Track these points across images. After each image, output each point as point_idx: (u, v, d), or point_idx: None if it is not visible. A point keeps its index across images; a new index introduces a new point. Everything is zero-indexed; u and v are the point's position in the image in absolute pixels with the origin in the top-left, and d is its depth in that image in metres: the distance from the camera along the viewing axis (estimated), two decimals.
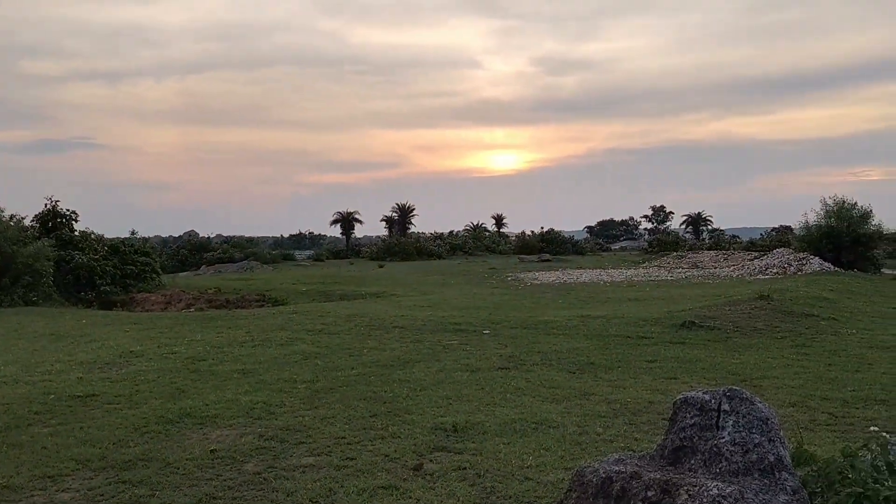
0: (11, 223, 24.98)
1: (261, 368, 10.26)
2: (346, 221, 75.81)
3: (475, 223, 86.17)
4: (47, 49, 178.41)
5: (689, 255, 47.52)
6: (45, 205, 29.45)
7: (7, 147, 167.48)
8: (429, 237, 70.15)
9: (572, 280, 31.38)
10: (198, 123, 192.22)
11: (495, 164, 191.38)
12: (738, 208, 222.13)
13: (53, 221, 29.16)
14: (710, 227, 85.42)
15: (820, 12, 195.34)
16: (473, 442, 6.49)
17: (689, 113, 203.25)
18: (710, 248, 56.31)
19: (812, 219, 32.86)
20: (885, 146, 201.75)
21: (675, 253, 50.87)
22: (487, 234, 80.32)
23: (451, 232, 79.85)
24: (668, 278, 31.20)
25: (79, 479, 5.80)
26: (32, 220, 28.57)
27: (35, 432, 7.17)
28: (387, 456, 6.17)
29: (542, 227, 70.04)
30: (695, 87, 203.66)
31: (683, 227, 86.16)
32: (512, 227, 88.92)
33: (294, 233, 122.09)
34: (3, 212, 25.04)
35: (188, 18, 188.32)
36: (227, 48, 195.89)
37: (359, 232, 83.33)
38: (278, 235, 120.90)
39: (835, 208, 32.02)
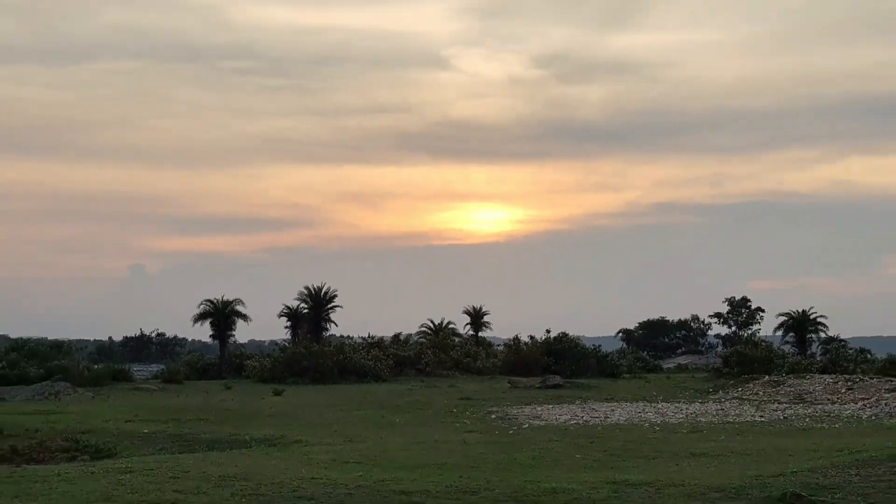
0: None
1: None
2: (222, 317, 75.22)
3: (438, 322, 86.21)
4: None
5: (790, 381, 47.89)
6: None
7: None
8: (360, 345, 69.91)
9: (598, 420, 31.32)
10: None
11: (472, 225, 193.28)
12: (870, 305, 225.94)
13: None
14: (822, 336, 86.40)
15: None
16: None
17: (786, 149, 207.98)
18: (823, 371, 56.83)
19: None
20: None
21: (766, 377, 51.22)
22: (458, 340, 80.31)
23: (397, 336, 79.73)
24: (757, 419, 31.30)
25: None
26: None
27: None
28: None
29: (547, 331, 70.18)
30: (794, 109, 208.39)
31: (780, 333, 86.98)
32: (498, 331, 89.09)
33: (131, 335, 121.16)
34: None
35: None
36: (23, 29, 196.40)
37: (242, 335, 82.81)
38: (105, 339, 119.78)
39: None
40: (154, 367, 75.01)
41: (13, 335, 74.18)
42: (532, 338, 70.60)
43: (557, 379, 52.98)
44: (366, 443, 24.43)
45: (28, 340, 69.70)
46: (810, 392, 42.75)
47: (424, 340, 78.60)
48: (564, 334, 68.69)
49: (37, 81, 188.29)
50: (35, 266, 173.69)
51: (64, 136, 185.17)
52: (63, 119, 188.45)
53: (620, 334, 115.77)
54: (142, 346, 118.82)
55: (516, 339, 72.71)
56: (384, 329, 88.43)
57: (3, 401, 42.38)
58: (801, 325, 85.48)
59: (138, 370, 68.39)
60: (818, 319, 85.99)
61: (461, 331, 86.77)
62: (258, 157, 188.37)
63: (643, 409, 35.68)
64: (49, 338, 77.22)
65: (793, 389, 44.35)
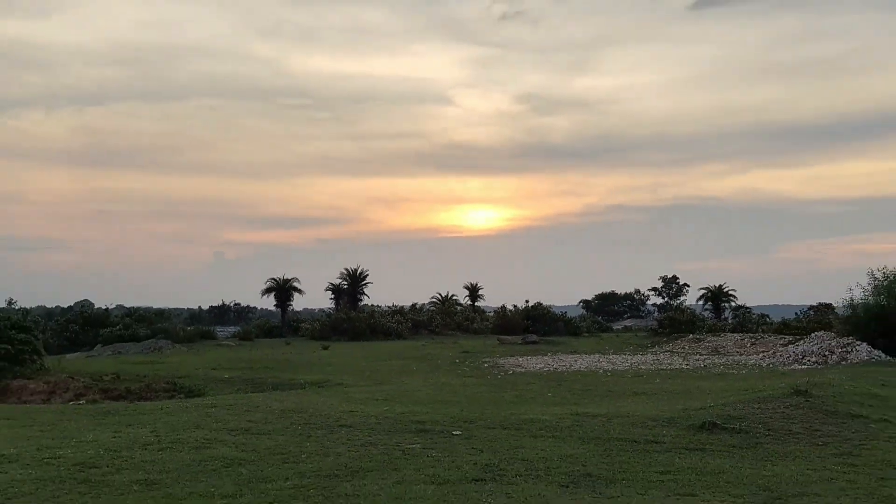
0: None
1: (169, 479, 10.04)
2: (282, 291, 75.34)
3: (444, 295, 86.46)
4: None
5: (709, 339, 48.01)
6: None
7: None
8: (386, 312, 70.07)
9: (565, 367, 31.38)
10: (96, 166, 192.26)
11: (469, 221, 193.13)
12: (768, 281, 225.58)
13: None
14: (733, 304, 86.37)
15: (865, 44, 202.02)
16: None
17: (705, 164, 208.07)
18: (733, 330, 57.01)
19: (858, 296, 33.42)
20: None
21: (691, 335, 51.38)
22: (459, 308, 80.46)
23: (413, 305, 79.81)
24: (684, 367, 31.36)
25: None
26: None
27: None
28: None
29: (527, 301, 70.54)
30: (711, 134, 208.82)
31: (701, 303, 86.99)
32: (490, 301, 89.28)
33: (216, 304, 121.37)
34: None
35: (88, 38, 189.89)
36: (136, 76, 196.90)
37: (298, 304, 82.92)
38: (195, 307, 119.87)
39: (885, 283, 32.60)
40: (232, 329, 75.16)
41: (127, 305, 74.34)
42: (515, 306, 71.16)
43: (534, 337, 53.11)
44: (390, 385, 24.52)
45: (138, 308, 70.00)
46: (724, 346, 42.81)
47: (434, 308, 78.77)
48: (539, 304, 69.25)
49: (146, 116, 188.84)
50: (146, 252, 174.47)
51: (166, 157, 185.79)
52: (165, 143, 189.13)
53: (581, 303, 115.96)
54: (223, 313, 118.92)
55: (503, 307, 73.21)
56: (404, 300, 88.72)
57: (120, 354, 42.62)
58: (716, 296, 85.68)
59: (220, 331, 68.59)
60: (729, 292, 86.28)
61: (462, 301, 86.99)
62: (308, 171, 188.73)
63: (598, 360, 35.75)
64: (154, 307, 77.32)
65: (710, 345, 44.42)
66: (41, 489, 9.56)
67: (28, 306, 72.20)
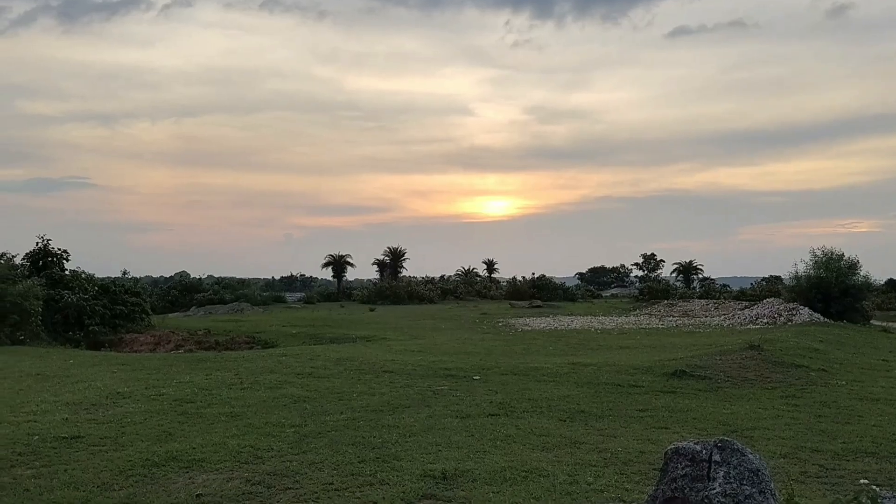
0: (1, 261, 24.85)
1: (249, 412, 10.15)
2: (338, 264, 75.62)
3: (466, 268, 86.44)
4: (44, 89, 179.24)
5: (680, 304, 47.67)
6: (37, 243, 29.40)
7: (1, 186, 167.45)
8: (420, 281, 70.19)
9: (563, 326, 31.34)
10: (191, 165, 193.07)
11: (487, 209, 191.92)
12: (728, 258, 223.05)
13: (44, 260, 29.05)
14: (700, 276, 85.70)
15: (804, 68, 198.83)
16: (463, 490, 6.42)
17: (676, 163, 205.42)
18: (700, 297, 56.56)
19: (801, 269, 33.05)
20: (872, 199, 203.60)
21: (665, 301, 51.05)
22: (479, 279, 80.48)
23: (442, 276, 79.97)
24: (659, 326, 31.20)
25: None
26: (23, 259, 28.46)
27: (18, 474, 7.05)
28: (375, 503, 6.09)
29: (533, 273, 70.36)
30: (681, 139, 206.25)
31: (674, 275, 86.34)
32: (503, 273, 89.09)
33: (285, 275, 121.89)
34: None
35: (184, 63, 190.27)
36: (222, 93, 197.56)
37: (350, 275, 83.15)
38: (269, 277, 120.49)
39: (823, 259, 32.22)
40: (298, 294, 75.49)
41: (216, 275, 74.91)
42: (524, 277, 70.93)
43: (539, 302, 53.04)
44: (424, 339, 24.60)
45: (224, 278, 70.55)
46: (692, 310, 42.50)
47: (458, 279, 78.84)
48: (543, 275, 69.04)
49: (230, 125, 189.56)
50: (230, 233, 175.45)
51: (246, 158, 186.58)
52: (245, 147, 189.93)
53: (577, 275, 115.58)
54: (291, 282, 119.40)
55: (514, 278, 73.13)
56: (434, 272, 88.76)
57: (210, 314, 42.99)
58: (687, 270, 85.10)
59: (289, 296, 68.94)
60: (698, 267, 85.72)
61: (481, 273, 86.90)
62: (359, 169, 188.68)
63: (590, 321, 35.63)
64: (237, 276, 77.92)
65: (681, 309, 44.11)
66: (149, 419, 9.71)
67: (138, 276, 72.93)
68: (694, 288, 76.42)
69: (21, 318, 23.33)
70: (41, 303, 24.75)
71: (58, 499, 6.22)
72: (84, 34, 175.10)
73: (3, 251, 25.77)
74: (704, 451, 3.46)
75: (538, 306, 50.02)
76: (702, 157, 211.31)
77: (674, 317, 38.69)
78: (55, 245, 29.60)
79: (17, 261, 27.42)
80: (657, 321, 35.06)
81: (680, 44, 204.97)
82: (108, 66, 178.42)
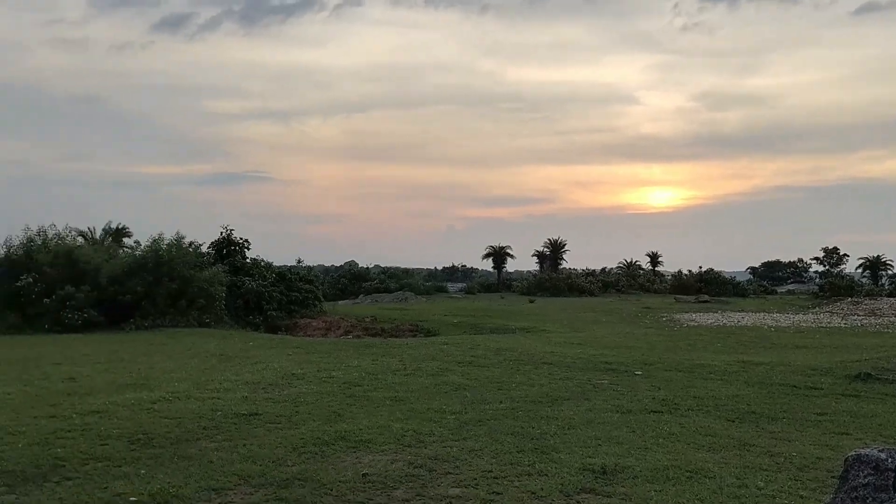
0: (190, 249, 27.10)
1: (412, 397, 10.49)
2: (498, 256, 76.35)
3: (629, 261, 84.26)
4: (227, 89, 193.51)
5: (866, 302, 43.99)
6: (221, 233, 31.81)
7: (189, 179, 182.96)
8: (580, 273, 69.34)
9: (732, 323, 29.84)
10: (360, 159, 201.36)
11: (651, 200, 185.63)
12: None
13: (227, 249, 31.41)
14: (890, 272, 78.60)
15: None
16: (623, 486, 6.29)
17: (864, 150, 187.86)
18: (889, 295, 51.90)
19: None
20: None
21: (849, 299, 47.34)
22: (641, 272, 78.34)
23: (603, 269, 78.56)
24: (842, 325, 28.94)
25: (240, 493, 6.15)
26: (209, 248, 30.86)
27: (203, 446, 7.69)
28: (533, 493, 6.10)
29: (700, 267, 67.66)
30: (868, 124, 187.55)
31: (860, 271, 79.80)
32: (668, 266, 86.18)
33: (447, 265, 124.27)
34: (183, 239, 26.94)
35: (353, 61, 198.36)
36: (389, 89, 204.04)
37: (510, 266, 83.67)
38: (432, 268, 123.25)
39: None
40: (460, 285, 76.90)
41: (383, 265, 77.78)
42: (690, 271, 68.42)
43: (706, 297, 50.71)
44: (584, 332, 24.31)
45: (390, 268, 73.03)
46: (880, 309, 39.03)
47: (620, 272, 77.09)
48: (711, 269, 66.39)
49: (397, 120, 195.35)
50: (396, 224, 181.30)
51: (412, 152, 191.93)
52: (412, 141, 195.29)
53: (748, 269, 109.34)
54: (453, 272, 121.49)
55: (679, 272, 70.57)
56: (595, 264, 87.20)
57: (377, 302, 44.61)
58: (874, 265, 78.76)
59: (451, 286, 70.38)
60: (886, 262, 78.78)
61: (644, 266, 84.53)
62: (522, 160, 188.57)
63: (763, 318, 33.66)
64: (402, 266, 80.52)
65: (867, 307, 40.64)
66: (320, 399, 10.28)
67: (311, 265, 77.11)
68: (882, 285, 70.18)
69: (207, 303, 25.31)
70: (224, 288, 26.72)
71: (238, 471, 6.73)
72: (263, 36, 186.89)
73: (191, 240, 27.87)
74: (890, 460, 3.19)
75: (705, 301, 47.86)
76: (892, 144, 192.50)
77: (858, 316, 35.69)
78: (237, 235, 31.95)
79: (204, 249, 29.74)
80: (839, 320, 32.51)
81: (868, 21, 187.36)
82: (283, 65, 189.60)
